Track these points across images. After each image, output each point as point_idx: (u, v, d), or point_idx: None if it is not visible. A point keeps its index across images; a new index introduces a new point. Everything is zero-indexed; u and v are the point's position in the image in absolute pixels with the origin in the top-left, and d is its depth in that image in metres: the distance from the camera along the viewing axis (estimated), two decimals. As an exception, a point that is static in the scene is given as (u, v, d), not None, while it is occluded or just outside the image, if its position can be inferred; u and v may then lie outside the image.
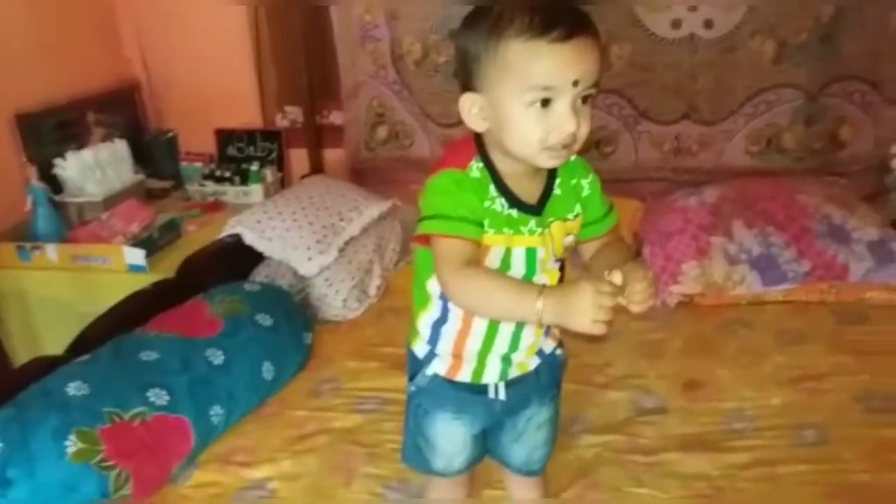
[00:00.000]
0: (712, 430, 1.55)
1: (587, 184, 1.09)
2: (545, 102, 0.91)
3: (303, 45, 2.62)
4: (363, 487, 1.45)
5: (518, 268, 1.03)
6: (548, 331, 1.17)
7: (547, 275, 1.05)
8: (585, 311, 0.87)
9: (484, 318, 1.06)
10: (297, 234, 2.15)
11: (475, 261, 0.97)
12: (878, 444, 1.45)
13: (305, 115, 2.75)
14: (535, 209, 1.02)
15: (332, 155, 2.80)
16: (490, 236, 0.99)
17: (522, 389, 1.17)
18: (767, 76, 2.39)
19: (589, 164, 1.10)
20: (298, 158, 2.82)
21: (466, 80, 0.98)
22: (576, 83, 0.90)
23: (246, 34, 2.72)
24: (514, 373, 1.15)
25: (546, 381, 1.20)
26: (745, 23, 2.34)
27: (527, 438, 1.23)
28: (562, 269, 1.10)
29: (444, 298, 1.07)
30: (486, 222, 0.98)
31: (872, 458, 1.42)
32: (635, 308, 0.95)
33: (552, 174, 1.05)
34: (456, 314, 1.08)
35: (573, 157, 1.04)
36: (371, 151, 2.74)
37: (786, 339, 1.86)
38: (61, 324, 1.91)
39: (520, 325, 1.09)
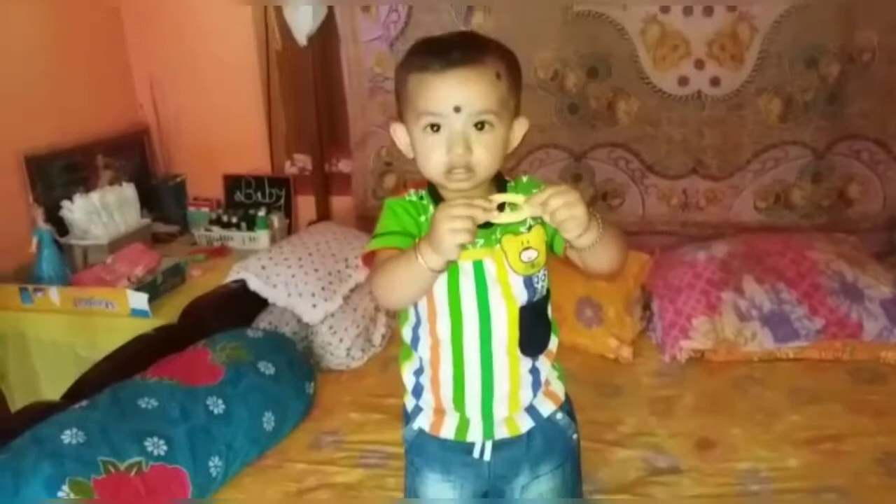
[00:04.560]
0: (728, 493, 1.49)
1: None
2: (434, 128, 0.99)
3: (313, 95, 2.65)
4: (365, 547, 1.39)
5: (467, 281, 1.04)
6: (537, 385, 1.12)
7: (503, 291, 1.04)
8: (438, 228, 0.91)
9: (405, 301, 1.06)
10: (302, 281, 2.12)
11: None
12: (903, 510, 1.40)
13: (314, 163, 2.76)
14: (482, 224, 1.00)
15: (339, 202, 2.81)
16: None
17: (511, 454, 1.12)
18: (774, 134, 2.39)
19: (542, 181, 1.10)
20: (306, 205, 2.82)
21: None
22: (457, 109, 0.97)
23: (257, 82, 2.76)
24: (501, 432, 1.11)
25: (540, 449, 1.13)
26: (751, 81, 2.35)
27: None
28: (546, 295, 1.09)
29: (413, 344, 1.11)
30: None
31: (898, 525, 1.37)
32: (569, 233, 0.95)
33: (501, 192, 1.06)
34: (425, 358, 1.10)
35: (525, 178, 1.11)
36: (379, 200, 2.74)
37: (800, 397, 1.81)
38: (61, 368, 1.89)
39: (486, 363, 1.06)
